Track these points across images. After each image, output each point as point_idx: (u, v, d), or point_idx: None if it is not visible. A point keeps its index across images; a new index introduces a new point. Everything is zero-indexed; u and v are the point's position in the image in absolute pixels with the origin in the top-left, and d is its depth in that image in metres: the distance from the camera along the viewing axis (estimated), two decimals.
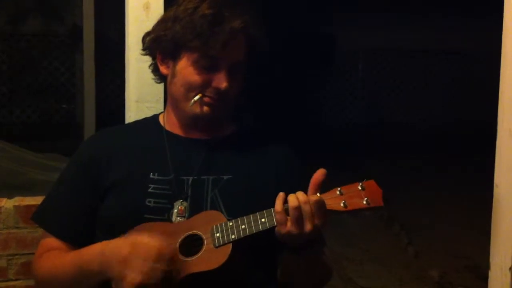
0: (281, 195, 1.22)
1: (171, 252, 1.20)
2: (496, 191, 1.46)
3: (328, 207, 1.22)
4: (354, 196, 1.23)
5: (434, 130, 10.99)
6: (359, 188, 1.24)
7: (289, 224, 1.20)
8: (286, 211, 1.21)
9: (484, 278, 1.51)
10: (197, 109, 1.36)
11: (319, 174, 1.23)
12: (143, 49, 1.46)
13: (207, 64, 1.34)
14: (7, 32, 9.30)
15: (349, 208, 1.22)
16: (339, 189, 1.24)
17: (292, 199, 1.20)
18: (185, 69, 1.36)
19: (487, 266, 1.50)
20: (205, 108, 1.36)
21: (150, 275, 1.15)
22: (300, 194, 1.21)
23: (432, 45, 11.51)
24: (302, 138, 6.19)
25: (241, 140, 1.48)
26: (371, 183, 1.25)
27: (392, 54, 11.94)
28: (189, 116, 1.40)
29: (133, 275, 1.14)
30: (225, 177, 1.38)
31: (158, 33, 1.40)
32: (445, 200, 6.01)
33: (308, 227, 1.20)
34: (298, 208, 1.19)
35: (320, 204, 1.20)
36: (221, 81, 1.33)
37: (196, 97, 1.34)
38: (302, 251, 1.26)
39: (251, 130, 1.54)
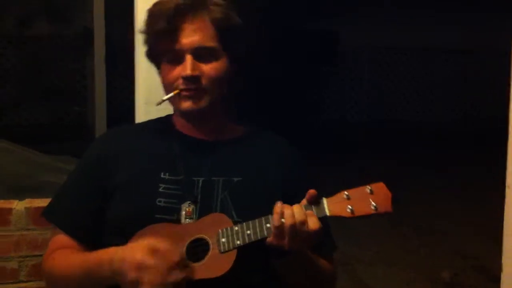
0: (278, 207, 1.20)
1: (182, 258, 1.19)
2: (508, 192, 1.45)
3: (333, 212, 1.19)
4: (361, 201, 1.18)
5: (439, 129, 10.95)
6: (367, 191, 1.19)
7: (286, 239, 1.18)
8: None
9: (495, 280, 1.50)
10: (179, 107, 1.38)
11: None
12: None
13: (172, 58, 1.36)
14: (15, 35, 9.37)
15: (356, 214, 1.17)
16: (346, 193, 1.19)
17: (288, 213, 1.18)
18: (162, 72, 1.41)
19: (497, 268, 1.49)
20: (186, 104, 1.36)
21: (166, 278, 1.14)
22: (298, 211, 1.18)
23: (437, 43, 11.48)
24: (305, 136, 6.18)
25: (250, 142, 1.48)
26: (380, 185, 1.20)
27: (396, 52, 11.92)
28: (181, 115, 1.43)
29: (151, 277, 1.14)
30: (235, 179, 1.38)
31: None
32: (453, 200, 5.99)
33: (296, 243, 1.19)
34: (293, 226, 1.17)
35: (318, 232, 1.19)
36: (184, 69, 1.34)
37: (170, 94, 1.37)
38: (290, 255, 1.24)
39: (260, 132, 1.54)
